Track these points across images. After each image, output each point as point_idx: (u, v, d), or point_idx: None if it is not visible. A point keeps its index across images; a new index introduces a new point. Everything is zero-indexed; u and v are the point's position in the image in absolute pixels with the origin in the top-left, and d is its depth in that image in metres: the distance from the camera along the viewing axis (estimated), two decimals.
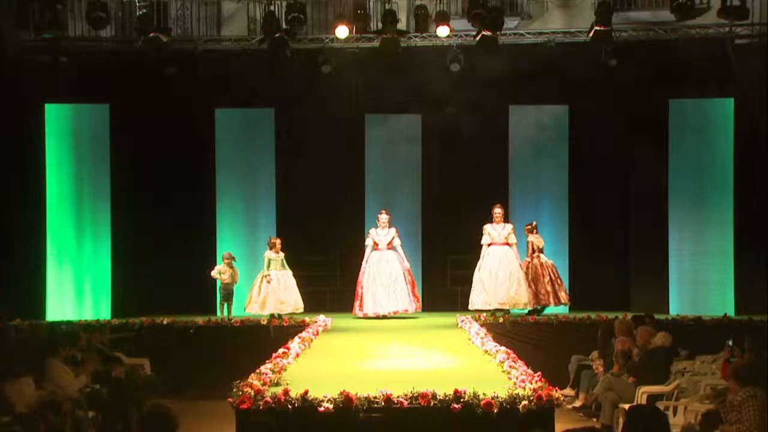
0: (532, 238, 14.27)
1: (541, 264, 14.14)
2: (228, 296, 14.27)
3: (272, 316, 13.58)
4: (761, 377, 7.06)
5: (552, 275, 14.08)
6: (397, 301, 14.17)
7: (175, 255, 15.17)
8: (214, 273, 14.33)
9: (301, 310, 13.91)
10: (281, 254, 14.00)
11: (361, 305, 14.27)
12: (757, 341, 9.29)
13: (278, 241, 14.03)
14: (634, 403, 9.32)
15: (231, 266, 14.36)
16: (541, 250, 14.21)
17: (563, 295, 14.08)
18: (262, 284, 13.83)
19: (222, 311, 14.26)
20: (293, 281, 13.99)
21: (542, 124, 15.39)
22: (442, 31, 14.24)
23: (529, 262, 14.17)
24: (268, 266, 13.85)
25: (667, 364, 9.99)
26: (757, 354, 8.68)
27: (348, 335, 12.35)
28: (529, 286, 13.88)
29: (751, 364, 7.43)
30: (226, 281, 14.29)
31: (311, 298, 14.72)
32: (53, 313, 14.43)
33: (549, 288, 13.99)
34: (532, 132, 15.36)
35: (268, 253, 13.86)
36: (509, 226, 14.13)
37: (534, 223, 14.39)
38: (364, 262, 14.44)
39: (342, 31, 14.31)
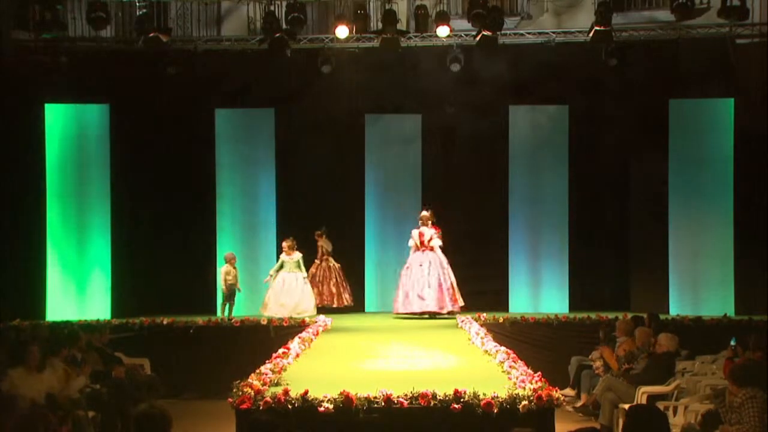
0: (322, 242, 14.97)
1: (329, 267, 14.88)
2: (231, 296, 14.29)
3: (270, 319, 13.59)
4: (760, 378, 7.05)
5: (338, 278, 14.84)
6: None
7: (175, 255, 15.19)
8: (223, 275, 14.28)
9: (309, 313, 13.96)
10: (296, 255, 14.02)
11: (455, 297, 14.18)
12: (759, 341, 9.29)
13: (286, 244, 14.06)
14: (634, 403, 9.33)
15: (234, 267, 14.38)
16: (330, 254, 14.94)
17: (347, 297, 14.79)
18: (271, 287, 13.97)
19: (223, 311, 14.25)
20: (301, 284, 14.01)
21: (542, 124, 15.39)
22: (442, 31, 14.23)
23: (318, 265, 14.90)
24: (280, 268, 13.90)
25: (672, 367, 9.95)
26: (761, 354, 8.67)
27: (348, 335, 12.35)
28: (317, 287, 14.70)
29: (748, 365, 7.41)
30: (231, 282, 14.29)
31: None
32: (53, 313, 14.41)
33: (334, 290, 14.77)
34: (532, 132, 15.36)
35: (282, 255, 14.02)
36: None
37: (324, 228, 14.88)
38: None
39: (342, 31, 14.30)
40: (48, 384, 8.51)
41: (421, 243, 14.40)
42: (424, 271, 14.23)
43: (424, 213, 14.54)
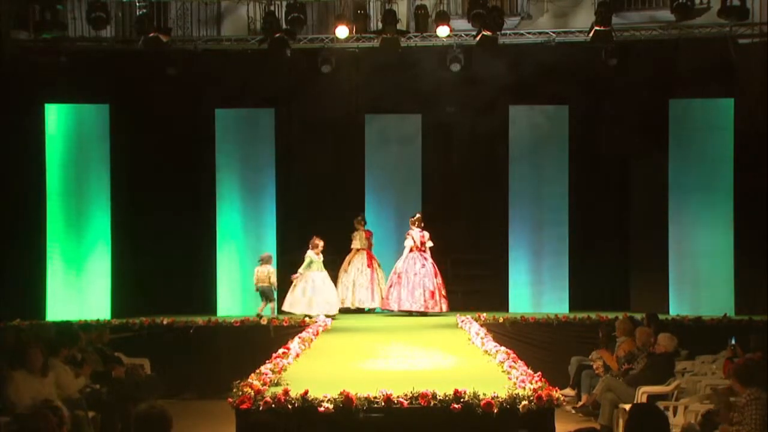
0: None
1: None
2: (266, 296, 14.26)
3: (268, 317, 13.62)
4: (764, 378, 7.02)
5: None
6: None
7: (175, 255, 15.18)
8: (272, 279, 14.14)
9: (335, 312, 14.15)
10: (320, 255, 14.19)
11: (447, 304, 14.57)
12: (760, 341, 9.28)
13: (321, 243, 14.10)
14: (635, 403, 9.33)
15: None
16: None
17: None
18: (306, 285, 14.00)
19: (261, 311, 14.09)
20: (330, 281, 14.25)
21: (542, 124, 15.37)
22: (442, 31, 14.23)
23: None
24: (308, 266, 14.00)
25: (671, 368, 9.95)
26: (761, 354, 8.65)
27: (348, 335, 12.35)
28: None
29: (754, 364, 7.36)
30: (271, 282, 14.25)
31: None
32: (53, 313, 14.41)
33: None
34: (532, 132, 15.34)
35: (310, 253, 14.04)
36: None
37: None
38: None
39: (342, 31, 14.30)
40: (50, 387, 8.50)
41: (422, 244, 14.51)
42: (430, 270, 14.46)
43: (419, 215, 14.64)
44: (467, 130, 15.62)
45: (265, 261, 14.19)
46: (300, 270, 14.07)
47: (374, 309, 14.87)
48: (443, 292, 14.46)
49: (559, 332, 13.32)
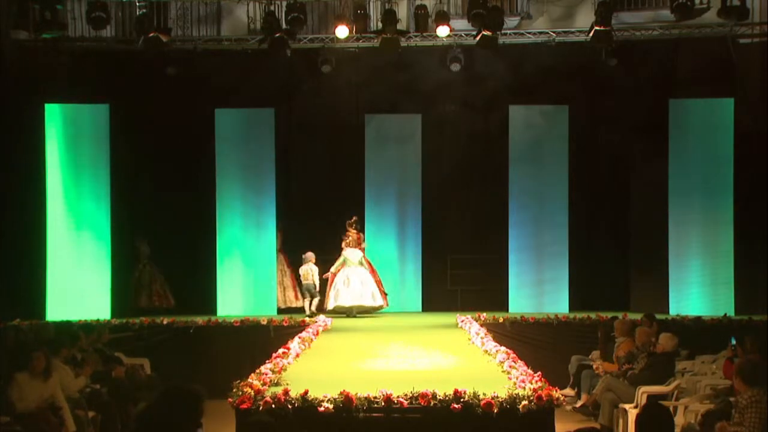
0: (144, 247, 15.34)
1: (153, 270, 15.31)
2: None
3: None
4: (766, 379, 7.01)
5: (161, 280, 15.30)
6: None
7: (175, 255, 15.19)
8: (314, 276, 14.55)
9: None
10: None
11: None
12: (757, 342, 9.26)
13: (350, 236, 14.62)
14: (635, 404, 9.34)
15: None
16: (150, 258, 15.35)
17: (170, 300, 15.21)
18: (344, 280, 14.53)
19: (309, 308, 14.49)
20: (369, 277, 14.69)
21: (542, 124, 15.38)
22: (442, 31, 14.24)
23: (142, 269, 15.27)
24: (343, 263, 14.53)
25: (672, 368, 9.95)
26: (759, 355, 8.65)
27: (348, 335, 12.35)
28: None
29: (758, 364, 7.34)
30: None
31: None
32: (53, 313, 14.39)
33: (161, 291, 15.25)
34: (532, 132, 15.34)
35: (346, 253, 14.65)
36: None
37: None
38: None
39: (342, 31, 14.31)
40: (54, 388, 8.49)
41: (358, 245, 14.96)
42: (366, 268, 14.97)
43: (355, 217, 15.03)
44: (467, 130, 15.63)
45: (307, 260, 14.52)
46: (332, 269, 14.63)
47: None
48: (382, 288, 14.90)
49: (559, 332, 13.32)
